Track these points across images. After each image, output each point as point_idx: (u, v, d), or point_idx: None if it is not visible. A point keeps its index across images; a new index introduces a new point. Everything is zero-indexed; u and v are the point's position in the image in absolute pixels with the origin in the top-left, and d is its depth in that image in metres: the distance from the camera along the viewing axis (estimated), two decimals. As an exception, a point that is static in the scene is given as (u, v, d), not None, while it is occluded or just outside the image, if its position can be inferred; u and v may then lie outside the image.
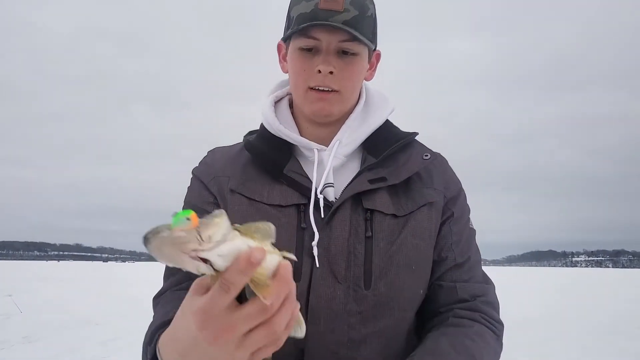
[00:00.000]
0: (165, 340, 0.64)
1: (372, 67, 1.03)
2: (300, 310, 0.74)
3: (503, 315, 1.01)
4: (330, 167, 0.95)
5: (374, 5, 0.96)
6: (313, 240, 0.88)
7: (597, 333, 9.49)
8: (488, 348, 0.88)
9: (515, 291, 21.89)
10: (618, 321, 11.25)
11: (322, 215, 0.90)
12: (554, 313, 12.79)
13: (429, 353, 0.83)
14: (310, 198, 0.91)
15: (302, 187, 0.93)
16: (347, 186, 0.93)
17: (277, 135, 0.99)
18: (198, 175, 1.02)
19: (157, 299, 0.94)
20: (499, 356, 0.92)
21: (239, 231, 0.51)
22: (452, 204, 1.01)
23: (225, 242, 0.47)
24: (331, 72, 0.90)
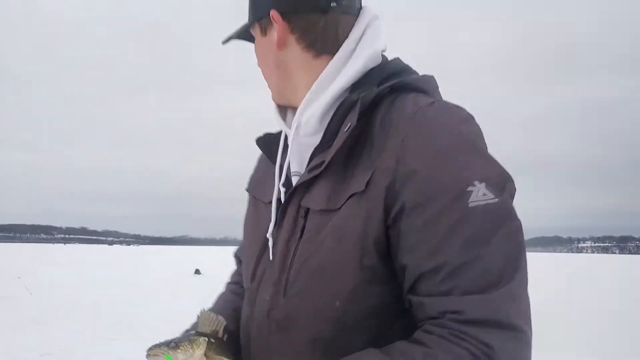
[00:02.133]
0: None
1: (277, 31, 0.85)
2: (250, 310, 0.88)
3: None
4: (288, 156, 0.87)
5: None
6: (268, 234, 0.86)
7: (604, 320, 9.65)
8: None
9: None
10: (625, 307, 11.39)
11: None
12: (560, 299, 12.94)
13: None
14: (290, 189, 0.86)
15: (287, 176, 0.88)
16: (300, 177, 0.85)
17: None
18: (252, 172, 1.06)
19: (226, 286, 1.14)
20: None
21: (207, 358, 0.76)
22: (405, 187, 0.71)
23: None
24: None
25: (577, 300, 12.89)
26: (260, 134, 0.96)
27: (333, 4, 0.82)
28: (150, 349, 0.73)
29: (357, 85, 0.82)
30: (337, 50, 0.84)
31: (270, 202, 0.87)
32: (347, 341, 0.75)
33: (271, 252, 0.84)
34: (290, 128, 0.88)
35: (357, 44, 0.84)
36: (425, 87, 0.82)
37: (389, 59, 0.88)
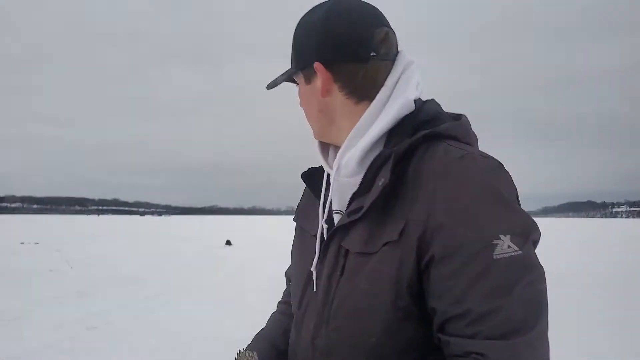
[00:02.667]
0: None
1: (322, 81, 0.91)
2: (296, 333, 0.97)
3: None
4: (330, 195, 0.94)
5: (299, 28, 0.93)
6: (313, 267, 0.94)
7: (634, 289, 9.52)
8: None
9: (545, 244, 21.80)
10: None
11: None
12: (582, 266, 12.76)
13: None
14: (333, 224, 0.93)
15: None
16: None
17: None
18: (299, 201, 1.14)
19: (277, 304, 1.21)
20: None
21: None
22: (435, 239, 0.76)
23: None
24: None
25: (601, 266, 12.68)
26: (305, 169, 1.04)
27: (373, 54, 0.87)
28: None
29: (392, 132, 0.89)
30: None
31: (315, 235, 0.95)
32: None
33: (315, 284, 0.92)
34: (331, 167, 0.95)
35: (392, 91, 0.90)
36: (456, 134, 0.86)
37: (424, 98, 0.94)
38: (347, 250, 0.86)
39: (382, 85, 0.89)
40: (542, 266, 0.76)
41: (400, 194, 0.82)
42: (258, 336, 1.11)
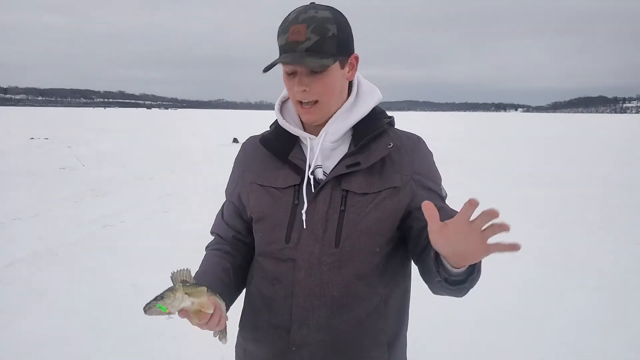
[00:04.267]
0: None
1: (352, 68, 1.23)
2: (290, 263, 1.20)
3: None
4: (317, 154, 1.22)
5: (337, 24, 1.14)
6: (303, 210, 1.18)
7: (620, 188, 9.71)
8: None
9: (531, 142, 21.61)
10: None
11: (313, 190, 1.19)
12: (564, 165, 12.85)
13: None
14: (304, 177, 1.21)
15: (300, 169, 1.22)
16: (331, 170, 1.20)
17: (285, 128, 1.27)
18: (235, 168, 1.38)
19: (206, 249, 1.40)
20: None
21: (188, 294, 0.99)
22: (421, 183, 1.22)
23: (179, 305, 0.98)
24: (304, 90, 1.15)
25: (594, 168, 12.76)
26: (259, 136, 1.33)
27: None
28: (145, 308, 0.95)
29: (369, 116, 1.25)
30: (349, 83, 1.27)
31: (287, 187, 1.22)
32: (376, 268, 1.20)
33: (304, 216, 1.18)
34: (307, 134, 1.24)
35: (367, 84, 1.30)
36: (394, 123, 1.32)
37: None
38: (346, 192, 1.18)
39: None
40: None
41: (387, 156, 1.22)
42: (201, 273, 1.25)
